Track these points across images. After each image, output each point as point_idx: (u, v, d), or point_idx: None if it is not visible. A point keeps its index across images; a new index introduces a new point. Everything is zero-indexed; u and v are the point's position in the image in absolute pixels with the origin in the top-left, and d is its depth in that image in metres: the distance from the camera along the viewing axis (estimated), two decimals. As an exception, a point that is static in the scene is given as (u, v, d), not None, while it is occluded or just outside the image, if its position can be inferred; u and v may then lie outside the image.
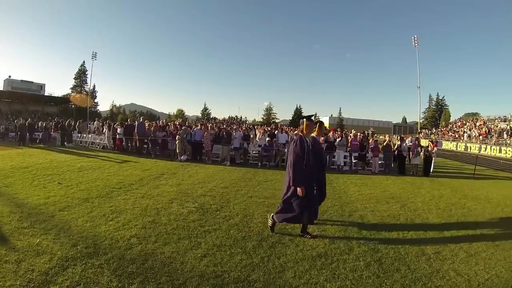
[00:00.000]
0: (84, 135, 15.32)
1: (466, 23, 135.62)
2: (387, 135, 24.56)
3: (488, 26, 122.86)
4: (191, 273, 2.58)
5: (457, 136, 32.41)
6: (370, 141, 11.32)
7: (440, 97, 58.96)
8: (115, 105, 68.19)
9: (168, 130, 12.40)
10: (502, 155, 19.82)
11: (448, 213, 5.09)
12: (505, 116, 30.01)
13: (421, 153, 10.52)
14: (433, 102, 59.58)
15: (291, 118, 60.63)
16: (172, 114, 65.55)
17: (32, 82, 43.06)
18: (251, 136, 12.82)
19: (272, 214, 3.71)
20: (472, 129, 31.72)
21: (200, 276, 2.53)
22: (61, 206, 4.26)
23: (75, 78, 55.14)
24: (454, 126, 38.18)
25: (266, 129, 15.24)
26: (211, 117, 58.28)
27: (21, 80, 41.94)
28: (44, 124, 17.83)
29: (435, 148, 11.33)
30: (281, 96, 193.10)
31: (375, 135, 25.56)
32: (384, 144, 10.93)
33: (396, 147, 10.72)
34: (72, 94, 53.46)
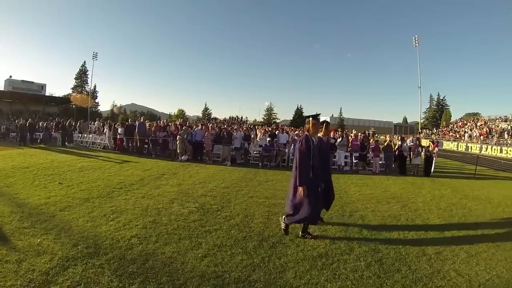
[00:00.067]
0: (85, 135, 15.34)
1: (466, 23, 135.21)
2: (387, 135, 24.44)
3: (488, 26, 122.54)
4: (192, 273, 2.58)
5: (458, 136, 32.32)
6: (370, 141, 11.31)
7: (441, 97, 58.79)
8: (116, 105, 68.23)
9: (168, 130, 12.43)
10: (503, 155, 19.80)
11: (449, 214, 5.09)
12: (506, 116, 29.88)
13: (422, 153, 10.50)
14: (434, 102, 59.42)
15: (291, 118, 60.53)
16: (173, 114, 65.55)
17: (33, 82, 43.04)
18: (252, 136, 12.83)
19: (283, 216, 3.65)
20: (473, 129, 31.60)
21: (200, 276, 2.53)
22: (61, 206, 4.27)
23: (76, 78, 55.20)
24: (455, 126, 38.03)
25: (267, 129, 15.27)
26: (212, 117, 58.29)
27: (22, 80, 41.94)
28: (45, 124, 17.86)
29: (436, 148, 11.31)
30: (282, 96, 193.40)
31: (376, 135, 25.44)
32: (385, 144, 10.94)
33: (396, 147, 10.72)
34: (73, 94, 53.47)
